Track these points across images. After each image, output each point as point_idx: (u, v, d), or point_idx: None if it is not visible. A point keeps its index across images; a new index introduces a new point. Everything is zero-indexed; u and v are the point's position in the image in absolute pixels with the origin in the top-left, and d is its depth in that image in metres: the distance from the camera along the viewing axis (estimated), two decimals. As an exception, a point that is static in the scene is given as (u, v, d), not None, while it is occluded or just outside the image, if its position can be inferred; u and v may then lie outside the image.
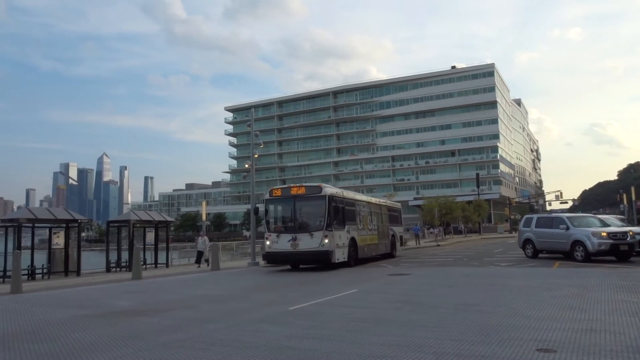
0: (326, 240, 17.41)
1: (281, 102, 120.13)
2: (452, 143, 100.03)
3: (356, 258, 19.79)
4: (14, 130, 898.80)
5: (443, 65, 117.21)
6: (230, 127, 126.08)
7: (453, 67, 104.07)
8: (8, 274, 16.84)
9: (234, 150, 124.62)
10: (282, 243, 18.00)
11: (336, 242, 17.92)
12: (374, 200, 25.22)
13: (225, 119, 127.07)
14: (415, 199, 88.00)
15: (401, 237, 29.44)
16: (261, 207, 19.52)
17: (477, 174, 73.36)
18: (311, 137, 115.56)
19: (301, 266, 19.84)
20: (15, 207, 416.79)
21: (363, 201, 22.53)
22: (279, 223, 19.03)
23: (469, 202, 68.27)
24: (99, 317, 9.06)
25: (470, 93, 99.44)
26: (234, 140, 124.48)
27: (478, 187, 70.32)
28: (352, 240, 19.54)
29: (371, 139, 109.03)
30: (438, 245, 39.64)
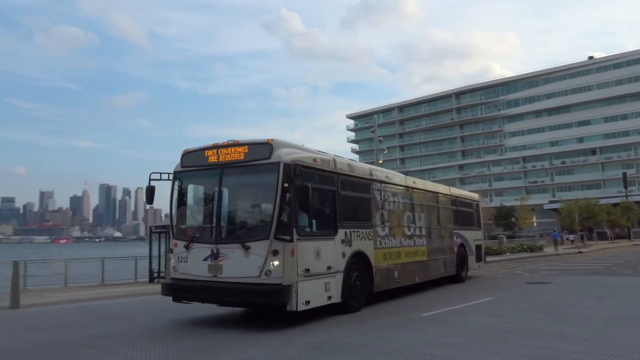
0: (275, 262, 8.17)
1: (402, 107, 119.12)
2: (592, 140, 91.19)
3: (371, 292, 10.59)
4: (160, 146, 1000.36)
5: (577, 57, 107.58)
6: (352, 134, 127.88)
7: (590, 58, 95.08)
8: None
9: (356, 157, 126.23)
10: (193, 262, 8.97)
11: (304, 264, 8.53)
12: (418, 183, 14.14)
13: (346, 126, 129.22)
14: (550, 202, 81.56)
15: (479, 246, 18.02)
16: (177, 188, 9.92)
17: (624, 174, 65.92)
18: (434, 141, 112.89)
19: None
20: (163, 215, 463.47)
21: (390, 183, 12.18)
22: (193, 220, 10.01)
23: (616, 205, 61.66)
24: (244, 316, 9.71)
25: (613, 84, 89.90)
26: (356, 147, 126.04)
27: (626, 187, 63.17)
28: (359, 258, 10.21)
29: (499, 139, 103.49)
30: (580, 252, 36.36)
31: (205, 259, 8.78)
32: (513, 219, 67.21)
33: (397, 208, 12.35)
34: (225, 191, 9.30)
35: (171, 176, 9.75)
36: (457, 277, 15.43)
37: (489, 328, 7.85)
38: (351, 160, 11.21)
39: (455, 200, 16.42)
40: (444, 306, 10.32)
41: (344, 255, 9.67)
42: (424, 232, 13.54)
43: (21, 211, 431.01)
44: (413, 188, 13.54)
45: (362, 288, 10.19)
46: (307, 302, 8.47)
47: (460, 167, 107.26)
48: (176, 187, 9.69)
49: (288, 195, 8.40)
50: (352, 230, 10.08)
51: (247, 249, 8.36)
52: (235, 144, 9.09)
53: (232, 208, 9.54)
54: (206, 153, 9.37)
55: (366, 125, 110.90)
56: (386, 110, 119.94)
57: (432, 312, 9.66)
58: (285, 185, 8.40)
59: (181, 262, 9.20)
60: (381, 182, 11.74)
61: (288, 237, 8.29)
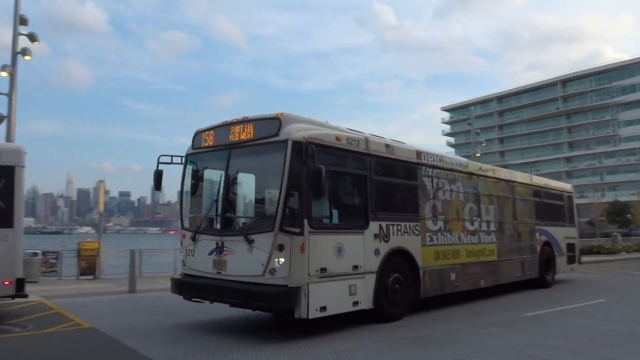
0: (280, 259, 7.06)
1: (501, 97, 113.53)
2: None
3: (417, 298, 9.15)
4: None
5: None
6: (447, 127, 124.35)
7: None
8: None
9: (452, 151, 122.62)
10: (200, 256, 8.14)
11: (319, 263, 7.30)
12: (486, 169, 12.49)
13: (441, 119, 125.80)
14: (674, 197, 73.62)
15: (571, 245, 15.56)
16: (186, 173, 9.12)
17: None
18: (537, 132, 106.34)
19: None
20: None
21: (446, 168, 10.55)
22: (201, 208, 8.92)
23: None
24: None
25: None
26: (452, 140, 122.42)
27: None
28: (399, 256, 8.80)
29: (612, 129, 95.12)
30: None
31: (211, 253, 7.82)
32: (629, 215, 61.58)
33: (455, 198, 10.62)
34: (232, 175, 8.19)
35: (182, 159, 8.85)
36: (540, 281, 13.32)
37: (599, 332, 7.38)
38: (393, 140, 9.62)
39: (538, 191, 14.19)
40: (545, 307, 9.78)
41: (377, 252, 8.24)
42: (493, 228, 11.67)
43: (136, 204, 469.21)
44: (479, 175, 11.64)
45: (404, 292, 8.66)
46: (323, 308, 7.19)
47: (567, 159, 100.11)
48: (187, 171, 8.82)
49: (299, 179, 7.11)
50: (390, 223, 8.59)
51: (250, 242, 7.27)
52: (245, 121, 8.02)
53: (238, 194, 8.44)
54: (216, 132, 8.43)
55: (462, 117, 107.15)
56: (484, 102, 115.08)
57: (536, 312, 9.18)
58: (291, 166, 7.11)
59: (189, 255, 8.34)
60: (433, 166, 10.06)
61: (297, 230, 7.04)
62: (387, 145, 8.96)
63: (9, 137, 14.95)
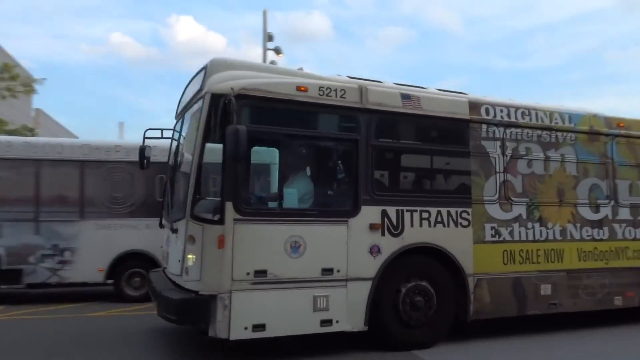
0: (192, 257, 5.20)
1: None
2: None
3: (463, 320, 6.20)
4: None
5: None
6: None
7: None
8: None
9: None
10: (164, 247, 6.81)
11: (254, 263, 5.16)
12: (632, 124, 7.59)
13: None
14: None
15: None
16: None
17: None
18: None
19: None
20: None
21: (533, 126, 6.82)
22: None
23: None
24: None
25: None
26: None
27: None
28: (428, 257, 6.07)
29: None
30: None
31: (165, 243, 6.43)
32: None
33: (557, 171, 7.01)
34: (178, 146, 6.59)
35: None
36: None
37: None
38: (440, 90, 6.73)
39: None
40: None
41: (376, 250, 5.72)
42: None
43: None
44: (615, 135, 7.43)
45: (435, 310, 5.99)
46: (259, 327, 5.11)
47: None
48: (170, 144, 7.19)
49: (205, 141, 5.23)
50: (406, 208, 5.93)
51: (174, 232, 5.63)
52: (193, 77, 6.26)
53: (180, 171, 6.53)
54: (184, 95, 6.70)
55: None
56: None
57: None
58: (216, 129, 5.08)
59: (162, 245, 6.79)
60: (506, 125, 6.67)
61: (213, 216, 5.16)
62: (405, 96, 6.12)
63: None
